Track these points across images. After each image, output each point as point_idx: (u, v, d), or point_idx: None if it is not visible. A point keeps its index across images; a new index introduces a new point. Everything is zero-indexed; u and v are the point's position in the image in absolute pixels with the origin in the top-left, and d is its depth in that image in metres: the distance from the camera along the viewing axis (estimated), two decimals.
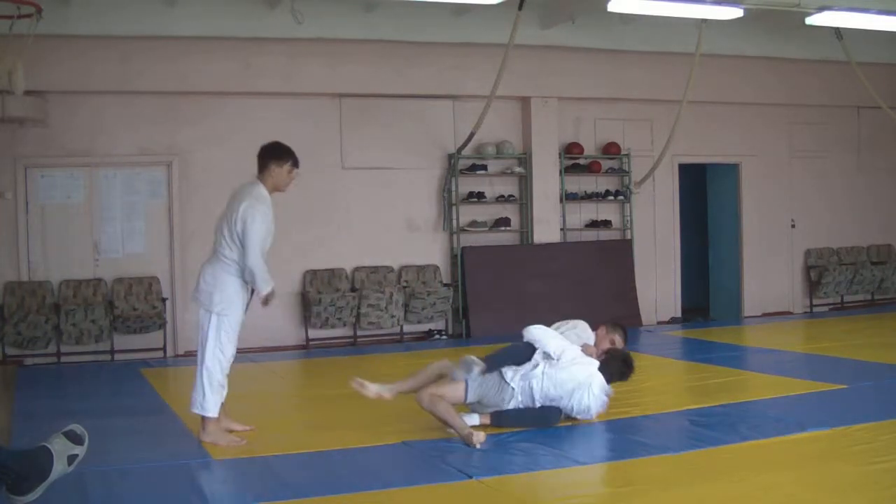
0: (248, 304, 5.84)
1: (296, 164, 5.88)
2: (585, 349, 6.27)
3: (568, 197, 11.64)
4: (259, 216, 5.57)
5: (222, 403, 5.73)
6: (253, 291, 5.82)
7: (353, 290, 10.62)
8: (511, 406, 5.81)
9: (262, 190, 5.73)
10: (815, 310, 12.91)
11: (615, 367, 5.97)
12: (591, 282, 11.44)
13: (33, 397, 7.63)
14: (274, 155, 5.81)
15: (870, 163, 13.32)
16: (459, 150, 10.95)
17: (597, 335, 6.64)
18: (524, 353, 5.93)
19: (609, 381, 5.92)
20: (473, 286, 11.01)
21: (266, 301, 5.72)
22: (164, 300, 9.98)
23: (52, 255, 9.79)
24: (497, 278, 11.09)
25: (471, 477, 4.72)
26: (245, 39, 10.00)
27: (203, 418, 5.63)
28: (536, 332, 5.99)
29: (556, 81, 11.33)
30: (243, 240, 5.55)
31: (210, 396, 5.60)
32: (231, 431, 5.77)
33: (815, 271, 12.80)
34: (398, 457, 5.26)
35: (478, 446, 5.29)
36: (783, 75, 12.32)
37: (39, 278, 9.71)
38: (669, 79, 11.02)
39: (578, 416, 5.82)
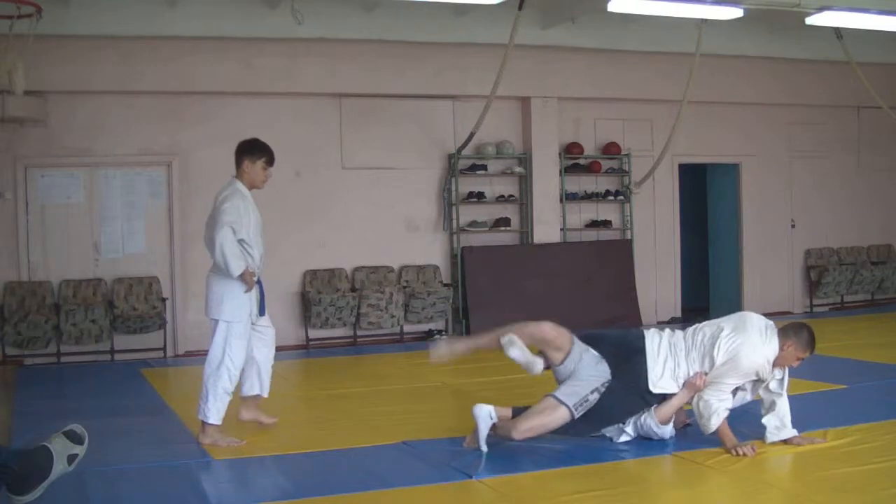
0: (259, 308, 5.84)
1: (270, 161, 5.86)
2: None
3: (568, 197, 11.64)
4: (232, 200, 5.62)
5: (250, 396, 5.91)
6: (262, 297, 5.86)
7: (353, 290, 10.62)
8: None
9: (237, 185, 5.76)
10: (815, 310, 12.91)
11: None
12: (591, 282, 11.44)
13: (33, 397, 7.63)
14: (247, 151, 5.82)
15: (870, 163, 13.32)
16: (459, 150, 10.94)
17: (783, 353, 5.16)
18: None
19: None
20: (473, 286, 11.01)
21: (248, 285, 5.66)
22: (164, 300, 9.98)
23: (52, 255, 9.79)
24: (497, 278, 11.08)
25: (471, 477, 4.72)
26: (245, 39, 10.00)
27: (203, 423, 5.64)
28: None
29: (556, 81, 11.33)
30: (215, 222, 5.58)
31: (213, 404, 5.61)
32: (259, 423, 5.89)
33: (815, 271, 12.80)
34: (398, 457, 5.26)
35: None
36: (783, 75, 12.31)
37: (39, 278, 9.71)
38: (669, 79, 11.01)
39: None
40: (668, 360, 5.27)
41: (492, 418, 5.18)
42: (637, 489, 4.68)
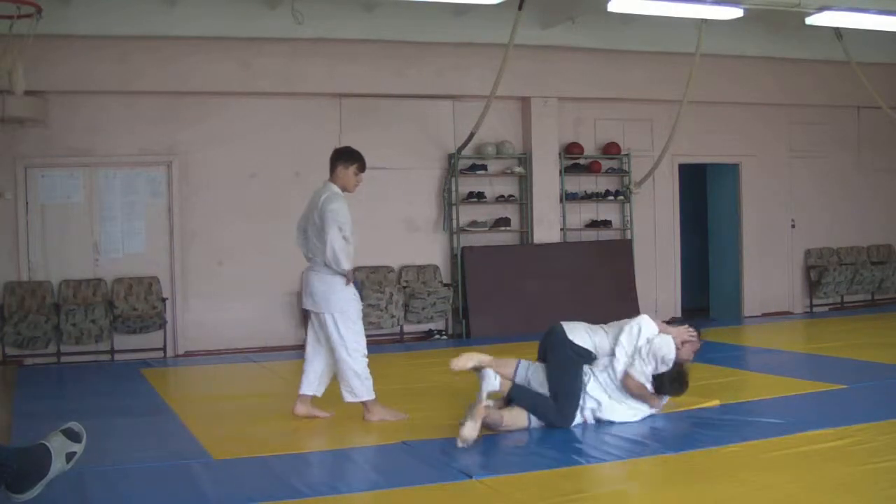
0: (360, 295, 6.35)
1: (362, 167, 6.35)
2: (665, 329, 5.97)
3: (568, 197, 11.64)
4: (336, 202, 6.13)
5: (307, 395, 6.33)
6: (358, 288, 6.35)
7: None
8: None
9: (334, 188, 6.26)
10: (815, 310, 12.91)
11: (672, 383, 5.86)
12: (591, 282, 11.44)
13: (33, 397, 7.63)
14: (341, 158, 6.33)
15: (869, 163, 13.31)
16: (459, 150, 10.95)
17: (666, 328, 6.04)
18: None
19: (662, 390, 5.87)
20: (473, 286, 11.01)
21: (348, 279, 6.15)
22: (164, 300, 9.98)
23: (52, 255, 9.79)
24: (497, 278, 11.09)
25: (471, 477, 4.72)
26: (245, 39, 10.00)
27: (363, 403, 6.17)
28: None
29: (556, 81, 11.33)
30: (324, 223, 6.06)
31: (361, 384, 6.15)
32: (314, 417, 6.29)
33: (815, 271, 12.80)
34: (398, 457, 5.26)
35: (460, 444, 5.31)
36: (783, 75, 12.31)
37: (39, 278, 9.71)
38: (669, 79, 11.01)
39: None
40: (580, 328, 5.95)
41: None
42: (636, 489, 4.68)
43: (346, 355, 6.14)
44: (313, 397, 6.39)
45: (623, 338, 5.83)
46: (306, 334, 6.53)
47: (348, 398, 6.22)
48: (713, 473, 4.83)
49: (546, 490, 4.55)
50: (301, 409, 6.34)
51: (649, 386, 5.80)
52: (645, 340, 5.80)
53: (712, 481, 4.71)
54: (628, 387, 5.77)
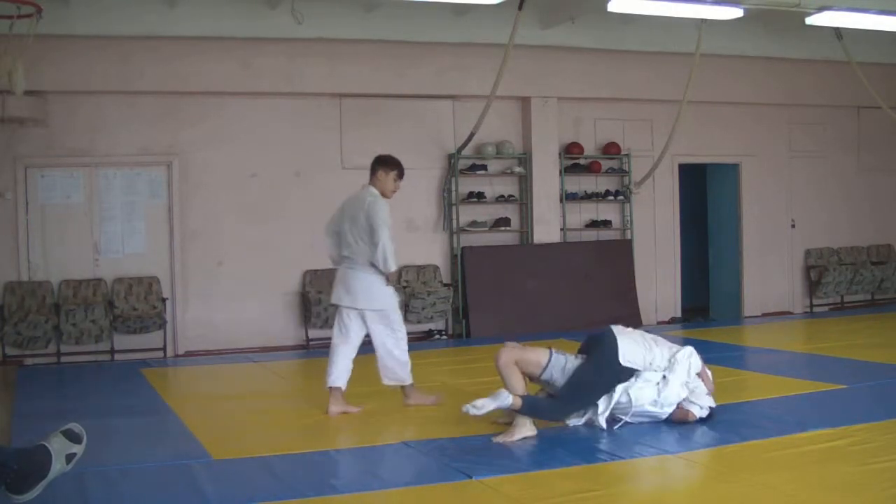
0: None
1: (401, 174, 6.66)
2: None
3: (568, 197, 11.64)
4: (380, 205, 6.45)
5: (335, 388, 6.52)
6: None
7: None
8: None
9: (375, 192, 6.58)
10: (815, 310, 12.91)
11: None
12: (591, 282, 11.44)
13: (33, 397, 7.63)
14: (383, 163, 6.65)
15: (869, 163, 13.31)
16: (459, 150, 10.95)
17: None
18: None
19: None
20: (473, 286, 11.01)
21: (391, 279, 6.46)
22: (164, 300, 9.98)
23: (52, 255, 9.79)
24: (497, 278, 11.09)
25: (471, 477, 4.72)
26: (245, 39, 10.00)
27: (402, 388, 6.59)
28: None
29: (556, 81, 11.33)
30: (374, 225, 6.35)
31: (403, 370, 6.54)
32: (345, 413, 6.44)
33: (815, 271, 12.80)
34: (398, 457, 5.26)
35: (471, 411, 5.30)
36: (783, 75, 12.31)
37: (39, 278, 9.71)
38: (669, 79, 11.01)
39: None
40: (636, 343, 5.75)
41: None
42: (636, 489, 4.69)
43: (392, 346, 6.48)
44: (341, 390, 6.50)
45: (682, 378, 5.77)
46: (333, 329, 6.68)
47: (388, 382, 6.57)
48: (712, 474, 4.83)
49: (546, 490, 4.55)
50: (335, 408, 6.40)
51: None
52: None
53: (712, 481, 4.72)
54: (676, 417, 5.76)
